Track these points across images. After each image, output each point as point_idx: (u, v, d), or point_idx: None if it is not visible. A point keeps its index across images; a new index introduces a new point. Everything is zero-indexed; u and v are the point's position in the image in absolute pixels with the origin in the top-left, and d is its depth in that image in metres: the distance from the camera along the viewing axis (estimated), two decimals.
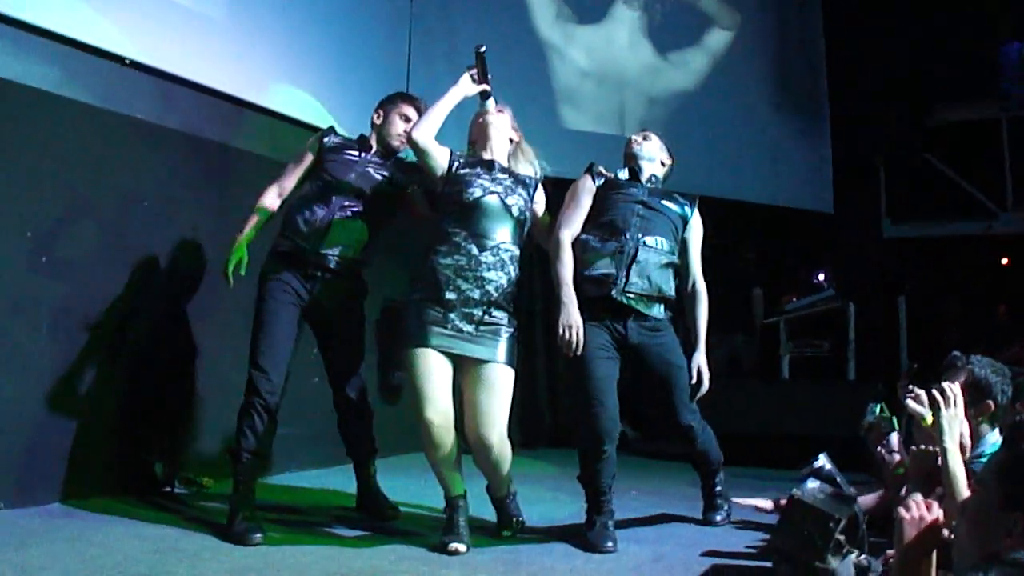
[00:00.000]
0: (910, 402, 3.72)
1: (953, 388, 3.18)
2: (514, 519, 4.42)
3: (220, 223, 5.07)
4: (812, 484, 3.46)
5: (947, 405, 3.14)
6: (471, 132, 4.44)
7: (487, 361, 4.04)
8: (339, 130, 4.82)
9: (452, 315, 4.01)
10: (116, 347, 4.88)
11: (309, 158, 4.62)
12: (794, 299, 8.96)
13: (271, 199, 4.57)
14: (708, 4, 9.03)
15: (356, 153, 4.62)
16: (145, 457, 4.99)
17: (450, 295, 4.01)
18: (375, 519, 4.68)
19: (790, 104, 9.20)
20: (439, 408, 3.98)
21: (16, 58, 4.48)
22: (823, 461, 3.59)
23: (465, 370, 4.07)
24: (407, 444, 7.19)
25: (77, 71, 4.78)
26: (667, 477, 6.54)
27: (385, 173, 4.61)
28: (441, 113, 4.21)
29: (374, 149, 4.64)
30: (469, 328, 4.02)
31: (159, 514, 4.44)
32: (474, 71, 4.28)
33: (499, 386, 4.06)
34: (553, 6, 8.61)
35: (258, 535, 3.95)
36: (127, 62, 5.02)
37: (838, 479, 3.51)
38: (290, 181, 4.60)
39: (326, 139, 4.65)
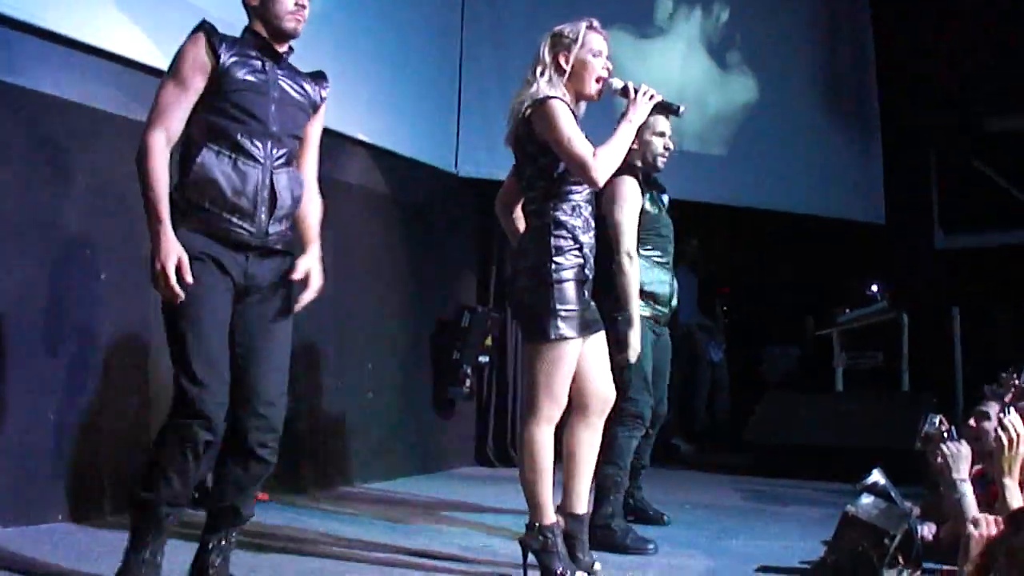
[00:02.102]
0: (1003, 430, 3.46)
1: (1017, 426, 3.11)
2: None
3: None
4: (866, 500, 3.47)
5: (1011, 447, 3.08)
6: (576, 60, 3.98)
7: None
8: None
9: (585, 289, 3.66)
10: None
11: (200, 82, 3.12)
12: (847, 311, 8.91)
13: (164, 158, 3.11)
14: (759, 17, 8.97)
15: (261, 68, 3.21)
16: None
17: (589, 273, 3.67)
18: None
19: (841, 115, 9.15)
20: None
21: (80, 79, 4.59)
22: (877, 476, 3.60)
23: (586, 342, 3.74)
24: (463, 458, 7.24)
25: (138, 91, 4.88)
26: (720, 490, 6.56)
27: (298, 86, 3.33)
28: (624, 148, 3.67)
29: (273, 54, 3.25)
30: (593, 303, 3.77)
31: None
32: (659, 102, 3.80)
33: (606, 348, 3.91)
34: (608, 18, 8.56)
35: None
36: None
37: (892, 494, 3.52)
38: (179, 121, 3.13)
39: (222, 55, 3.12)
